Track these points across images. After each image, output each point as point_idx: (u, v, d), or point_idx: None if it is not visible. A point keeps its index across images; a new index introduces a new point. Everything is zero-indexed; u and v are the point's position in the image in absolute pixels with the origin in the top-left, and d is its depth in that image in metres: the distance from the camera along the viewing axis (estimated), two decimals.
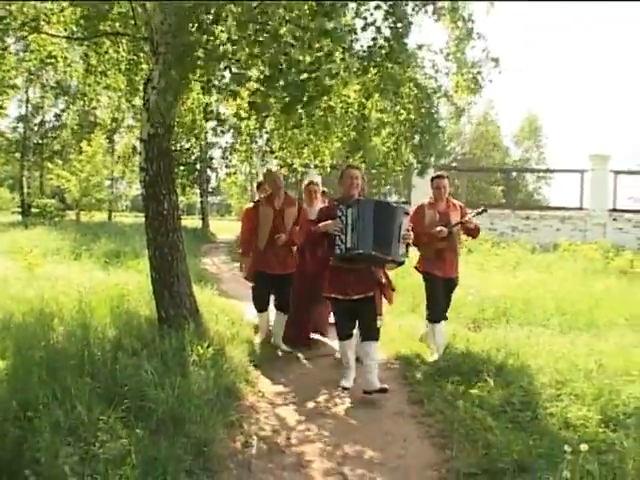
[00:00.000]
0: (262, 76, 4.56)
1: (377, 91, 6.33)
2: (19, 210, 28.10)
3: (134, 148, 15.30)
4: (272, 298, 6.81)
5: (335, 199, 5.50)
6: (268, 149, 8.93)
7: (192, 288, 6.10)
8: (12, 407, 3.56)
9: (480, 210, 6.19)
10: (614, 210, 17.80)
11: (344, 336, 5.30)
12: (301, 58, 4.31)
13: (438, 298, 6.11)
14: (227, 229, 27.80)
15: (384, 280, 5.27)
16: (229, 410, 4.38)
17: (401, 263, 5.18)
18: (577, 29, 76.02)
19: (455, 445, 3.94)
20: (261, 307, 6.76)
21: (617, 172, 18.29)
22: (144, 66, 6.72)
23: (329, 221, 5.00)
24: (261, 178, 9.19)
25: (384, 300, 5.32)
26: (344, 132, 7.35)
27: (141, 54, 6.53)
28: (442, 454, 3.92)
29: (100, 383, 4.11)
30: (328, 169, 8.73)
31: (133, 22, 5.94)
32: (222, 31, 5.05)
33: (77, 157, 20.91)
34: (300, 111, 4.78)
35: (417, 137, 6.77)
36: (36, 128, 29.55)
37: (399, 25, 5.01)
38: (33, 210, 22.33)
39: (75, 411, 3.59)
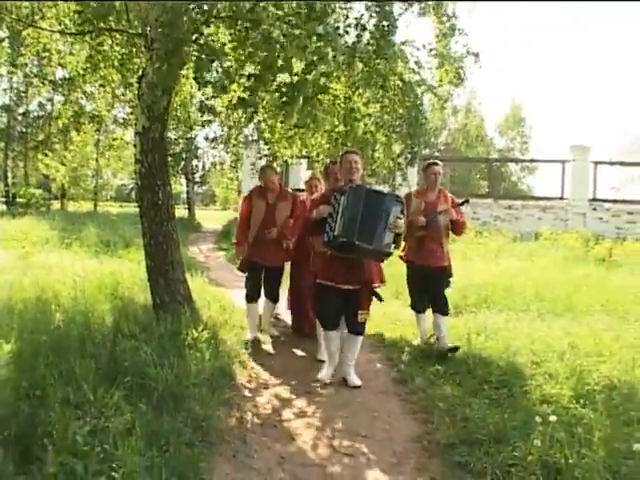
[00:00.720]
0: (252, 74, 4.75)
1: (364, 85, 6.53)
2: (3, 200, 28.00)
3: (120, 139, 15.40)
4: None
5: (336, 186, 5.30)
6: (255, 139, 9.11)
7: (185, 276, 6.32)
8: (22, 386, 3.79)
9: (461, 201, 6.11)
10: (594, 200, 18.16)
11: (330, 325, 5.19)
12: (294, 60, 4.51)
13: (416, 287, 6.16)
14: (212, 218, 27.94)
15: (376, 278, 5.15)
16: (224, 389, 4.65)
17: (388, 254, 4.94)
18: (562, 25, 76.81)
19: (436, 419, 4.23)
20: (251, 297, 6.65)
21: (597, 163, 18.63)
22: (136, 60, 6.88)
23: (323, 206, 4.97)
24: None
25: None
26: (332, 125, 7.53)
27: (134, 49, 6.70)
28: (424, 427, 4.20)
29: (102, 364, 4.33)
30: (321, 162, 8.77)
31: (126, 18, 6.08)
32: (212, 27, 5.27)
33: (67, 147, 20.97)
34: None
35: (404, 127, 6.97)
36: (20, 118, 29.41)
37: (385, 23, 5.25)
38: (19, 200, 22.35)
39: (81, 390, 3.82)
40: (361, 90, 6.89)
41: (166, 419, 3.75)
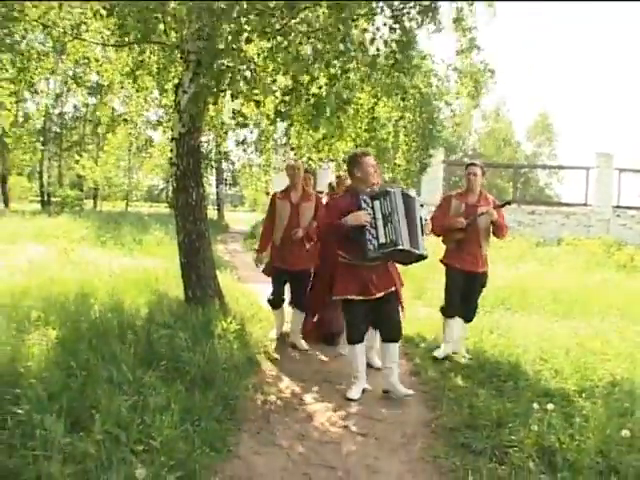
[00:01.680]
0: (288, 89, 5.17)
1: (385, 94, 6.89)
2: (38, 199, 28.84)
3: (151, 140, 16.04)
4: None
5: (353, 189, 4.91)
6: (285, 143, 9.51)
7: (216, 272, 6.75)
8: (70, 366, 4.23)
9: (503, 202, 6.01)
10: (618, 207, 18.27)
11: (357, 339, 4.88)
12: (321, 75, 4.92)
13: (452, 291, 5.90)
14: (241, 220, 28.42)
15: (399, 281, 5.01)
16: (250, 375, 5.13)
17: (425, 257, 4.78)
18: (589, 30, 76.16)
19: (444, 406, 4.58)
20: (275, 303, 6.56)
21: (621, 170, 18.76)
22: (172, 69, 7.34)
23: (359, 212, 4.57)
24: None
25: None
26: (356, 132, 7.89)
27: (170, 59, 7.15)
28: (433, 413, 4.58)
29: (140, 349, 4.77)
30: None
31: (164, 30, 6.51)
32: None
33: (101, 148, 21.72)
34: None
35: (419, 140, 7.32)
36: (55, 119, 30.30)
37: (404, 38, 5.62)
38: (53, 199, 23.12)
39: (121, 371, 4.25)
40: (384, 99, 7.27)
41: (198, 398, 4.19)
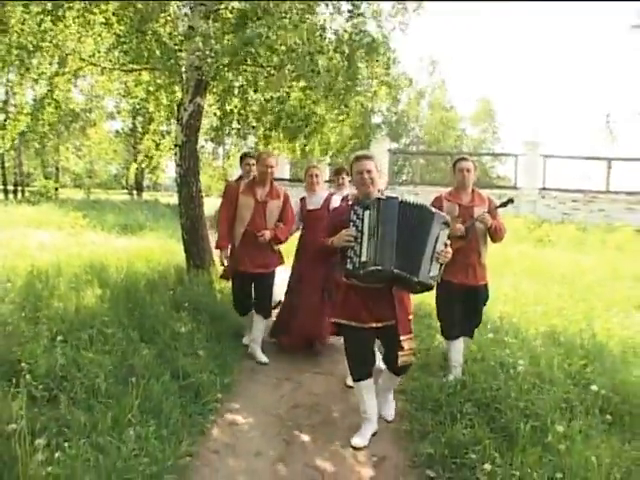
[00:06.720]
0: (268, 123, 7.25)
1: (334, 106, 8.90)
2: (12, 189, 29.79)
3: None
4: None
5: (355, 198, 4.36)
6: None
7: (211, 246, 8.65)
8: (128, 306, 6.15)
9: (505, 201, 5.17)
10: (543, 189, 20.81)
11: (357, 375, 4.22)
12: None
13: (450, 310, 5.18)
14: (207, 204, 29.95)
15: (409, 308, 4.20)
16: None
17: (430, 288, 3.91)
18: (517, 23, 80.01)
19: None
20: (242, 310, 6.24)
21: (546, 156, 21.31)
22: (170, 88, 9.18)
23: (343, 231, 3.89)
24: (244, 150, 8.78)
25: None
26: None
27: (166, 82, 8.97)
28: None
29: (167, 297, 6.72)
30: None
31: (167, 58, 8.30)
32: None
33: (84, 142, 23.20)
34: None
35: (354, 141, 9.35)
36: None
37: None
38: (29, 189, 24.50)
39: (159, 311, 6.20)
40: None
41: (215, 325, 6.24)
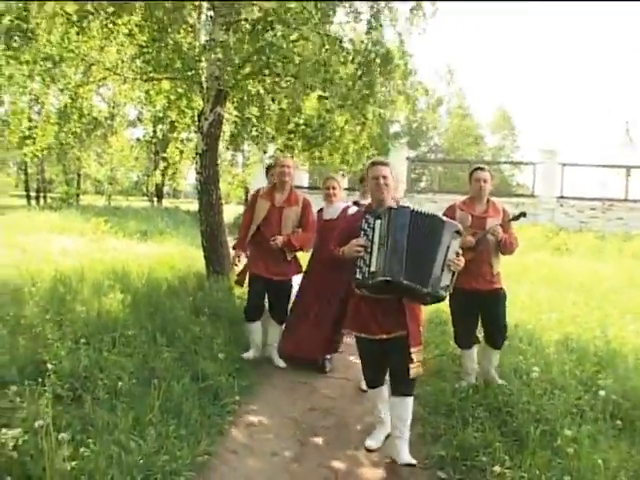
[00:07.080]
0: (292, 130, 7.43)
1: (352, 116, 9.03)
2: (22, 194, 30.26)
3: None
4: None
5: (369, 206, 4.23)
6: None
7: (230, 253, 8.81)
8: (151, 311, 6.32)
9: (517, 214, 5.15)
10: (561, 197, 20.74)
11: (370, 383, 4.40)
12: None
13: (464, 319, 5.19)
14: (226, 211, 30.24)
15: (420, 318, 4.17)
16: None
17: (441, 298, 3.86)
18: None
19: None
20: (252, 316, 6.08)
21: (564, 164, 21.22)
22: (189, 96, 9.37)
23: (353, 240, 3.89)
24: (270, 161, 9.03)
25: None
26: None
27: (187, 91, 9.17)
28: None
29: (187, 302, 6.88)
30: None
31: (188, 68, 8.50)
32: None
33: (107, 149, 23.59)
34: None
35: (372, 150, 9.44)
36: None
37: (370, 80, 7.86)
38: (53, 195, 24.88)
39: (186, 313, 6.39)
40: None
41: (234, 330, 6.38)
